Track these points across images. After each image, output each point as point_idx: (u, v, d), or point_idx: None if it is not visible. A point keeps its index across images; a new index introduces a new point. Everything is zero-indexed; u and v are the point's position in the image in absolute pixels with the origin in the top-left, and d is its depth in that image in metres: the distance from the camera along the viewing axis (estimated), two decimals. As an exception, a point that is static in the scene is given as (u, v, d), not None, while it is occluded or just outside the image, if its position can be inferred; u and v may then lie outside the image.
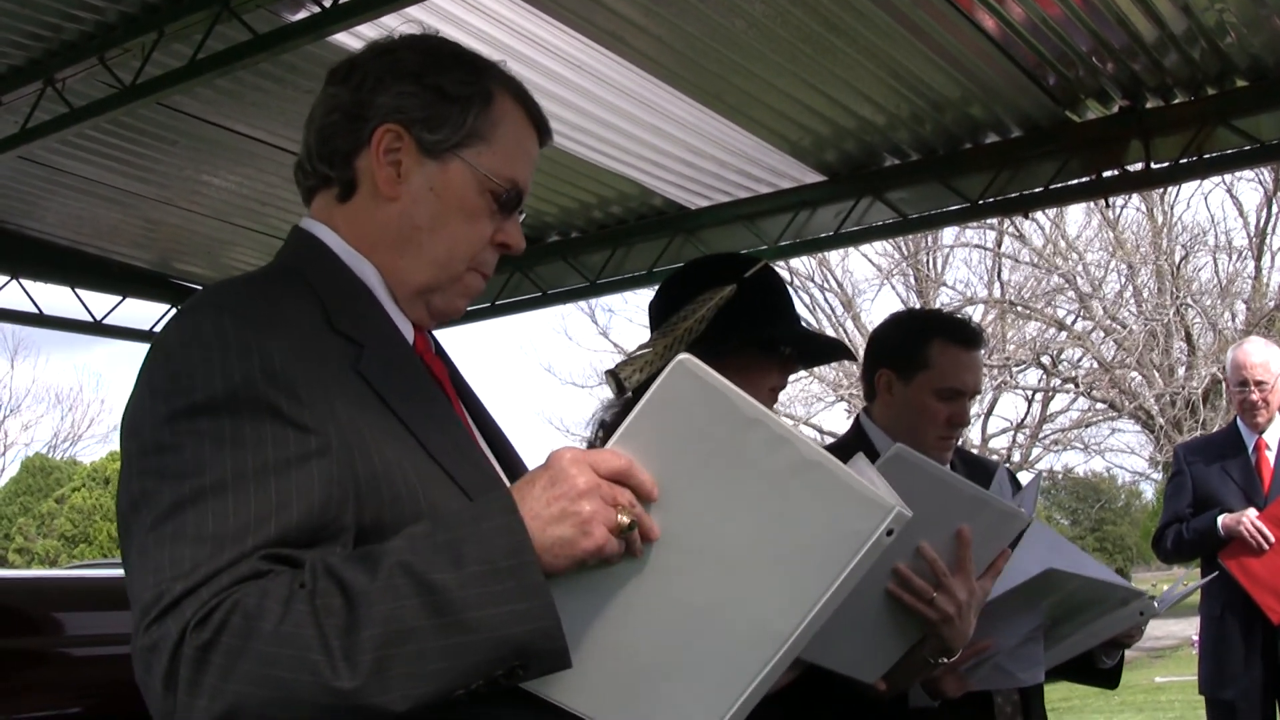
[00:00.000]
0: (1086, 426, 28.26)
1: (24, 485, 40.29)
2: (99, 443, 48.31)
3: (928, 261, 27.38)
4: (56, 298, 8.69)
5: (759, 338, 2.74)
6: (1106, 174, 6.63)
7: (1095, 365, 26.19)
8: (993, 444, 28.39)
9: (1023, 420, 28.80)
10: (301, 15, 5.27)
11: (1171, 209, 25.61)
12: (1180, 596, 3.59)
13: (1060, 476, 38.27)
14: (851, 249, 24.82)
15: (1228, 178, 24.41)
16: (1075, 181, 6.75)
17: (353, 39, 5.41)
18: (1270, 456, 6.17)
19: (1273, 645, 5.87)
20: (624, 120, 6.50)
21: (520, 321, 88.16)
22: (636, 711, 1.62)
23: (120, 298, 8.83)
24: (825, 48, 5.70)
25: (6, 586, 4.71)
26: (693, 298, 2.75)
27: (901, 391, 3.37)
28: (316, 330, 1.70)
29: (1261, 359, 6.18)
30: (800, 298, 27.22)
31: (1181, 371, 25.15)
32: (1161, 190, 23.46)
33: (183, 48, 5.50)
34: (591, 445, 2.84)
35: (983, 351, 3.50)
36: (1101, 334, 25.94)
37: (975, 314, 26.21)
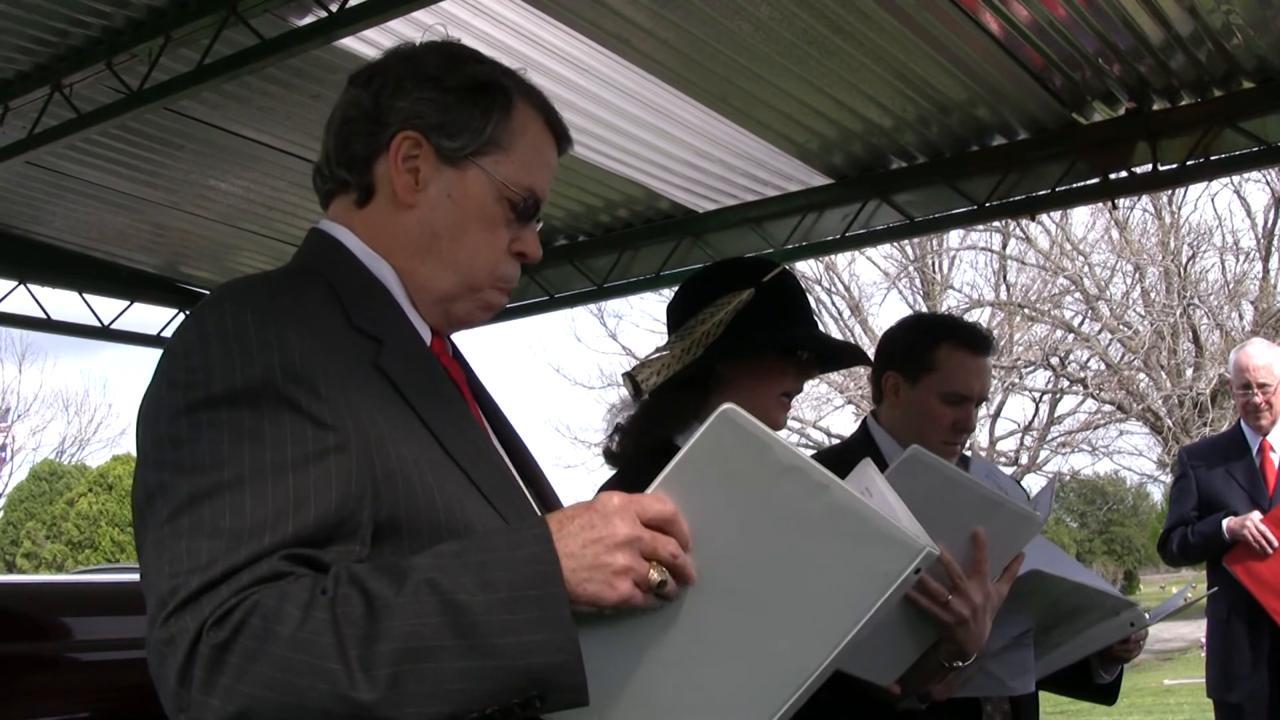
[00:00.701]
0: (1094, 428, 28.21)
1: (32, 490, 40.35)
2: (106, 447, 48.39)
3: (934, 265, 27.36)
4: (64, 302, 8.73)
5: (776, 342, 2.74)
6: (1113, 176, 6.62)
7: (1103, 367, 26.15)
8: (1000, 446, 28.36)
9: (1030, 422, 28.78)
10: (308, 20, 5.27)
11: (1179, 210, 25.58)
12: (1172, 609, 3.58)
13: (1068, 478, 38.21)
14: (858, 252, 24.82)
15: (1236, 179, 24.38)
16: (1082, 183, 6.75)
17: (359, 43, 5.42)
18: (1275, 459, 6.16)
19: (1279, 648, 5.87)
20: (630, 124, 6.51)
21: (529, 322, 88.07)
22: None
23: (128, 302, 8.85)
24: (831, 50, 5.70)
25: (13, 592, 4.71)
26: (711, 301, 2.76)
27: (908, 394, 3.37)
28: (336, 327, 1.70)
29: (1265, 361, 6.17)
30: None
31: (1189, 373, 25.11)
32: (1169, 192, 23.43)
33: (190, 53, 5.51)
34: (608, 450, 2.85)
35: (991, 357, 3.50)
36: (1109, 335, 25.90)
37: (983, 316, 26.20)
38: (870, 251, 25.07)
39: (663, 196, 7.53)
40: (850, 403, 26.30)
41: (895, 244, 24.76)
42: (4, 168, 6.51)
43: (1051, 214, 23.16)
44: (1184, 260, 25.36)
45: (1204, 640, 6.74)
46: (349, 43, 5.39)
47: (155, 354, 9.22)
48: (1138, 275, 25.48)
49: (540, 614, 1.46)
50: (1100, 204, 18.89)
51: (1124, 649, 3.27)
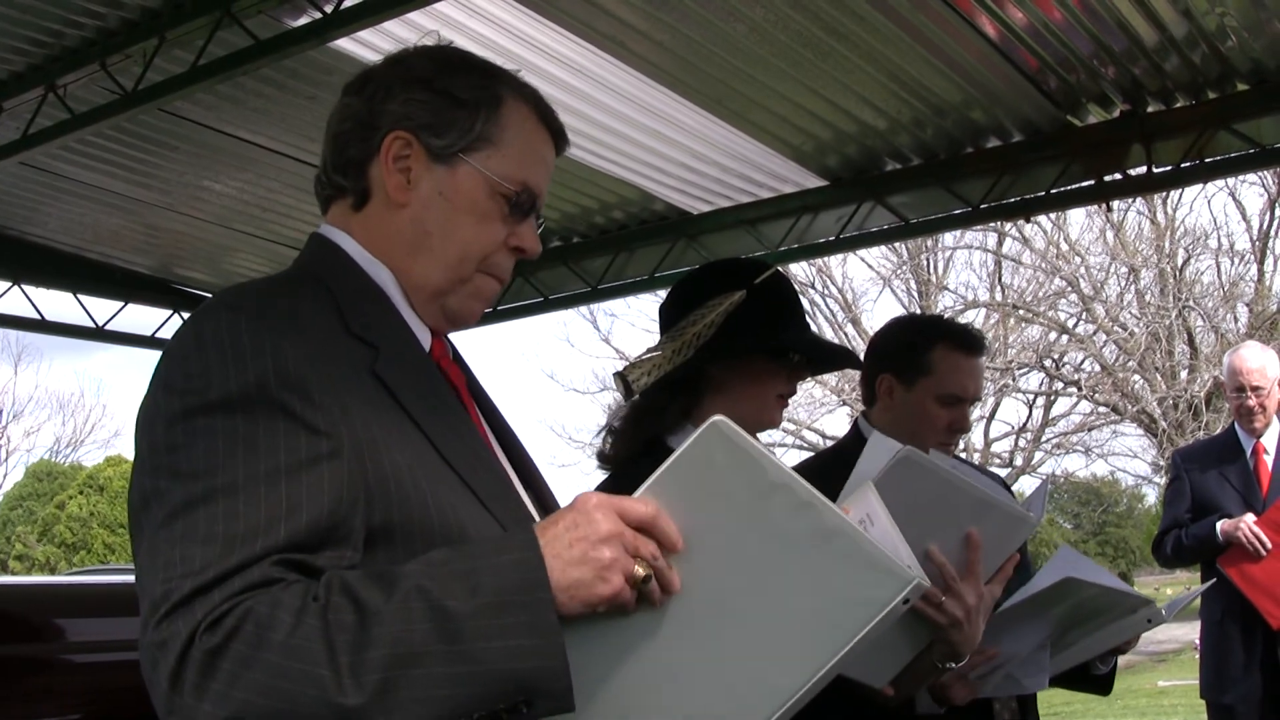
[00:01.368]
0: (1089, 430, 28.26)
1: (28, 490, 40.30)
2: (100, 448, 48.33)
3: (929, 265, 27.39)
4: (59, 303, 8.71)
5: (768, 344, 2.74)
6: (1108, 178, 6.63)
7: (1098, 369, 26.18)
8: (995, 448, 28.39)
9: (1025, 424, 28.82)
10: (303, 21, 5.27)
11: (1174, 212, 25.63)
12: (1186, 602, 3.58)
13: (1062, 480, 38.24)
14: (852, 254, 24.85)
15: (1230, 181, 24.43)
16: (1077, 185, 6.76)
17: (354, 45, 5.41)
18: (1268, 461, 6.16)
19: (1272, 650, 5.87)
20: (625, 125, 6.51)
21: (522, 328, 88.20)
22: None
23: (122, 303, 8.85)
24: (826, 52, 5.70)
25: (6, 594, 4.70)
26: (703, 302, 2.76)
27: (903, 396, 3.36)
28: (332, 333, 1.71)
29: (1258, 364, 6.17)
30: (801, 303, 27.19)
31: (1184, 375, 25.14)
32: (1164, 194, 23.46)
33: (184, 53, 5.50)
34: (601, 452, 2.85)
35: (985, 358, 3.49)
36: (1104, 337, 25.93)
37: (977, 317, 26.24)
38: (864, 251, 25.09)
39: (657, 198, 7.53)
40: (845, 404, 26.32)
41: (889, 245, 24.79)
42: (-2, 168, 6.51)
43: (1047, 215, 23.19)
44: (1179, 263, 25.40)
45: (1198, 642, 6.74)
46: (344, 44, 5.38)
47: (150, 355, 9.23)
48: (1133, 277, 25.52)
49: (527, 619, 1.47)
50: (1095, 206, 18.96)
51: (1124, 641, 3.27)
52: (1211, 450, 6.53)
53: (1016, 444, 28.73)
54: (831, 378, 25.54)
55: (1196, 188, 24.33)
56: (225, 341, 1.61)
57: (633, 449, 2.77)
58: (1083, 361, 26.93)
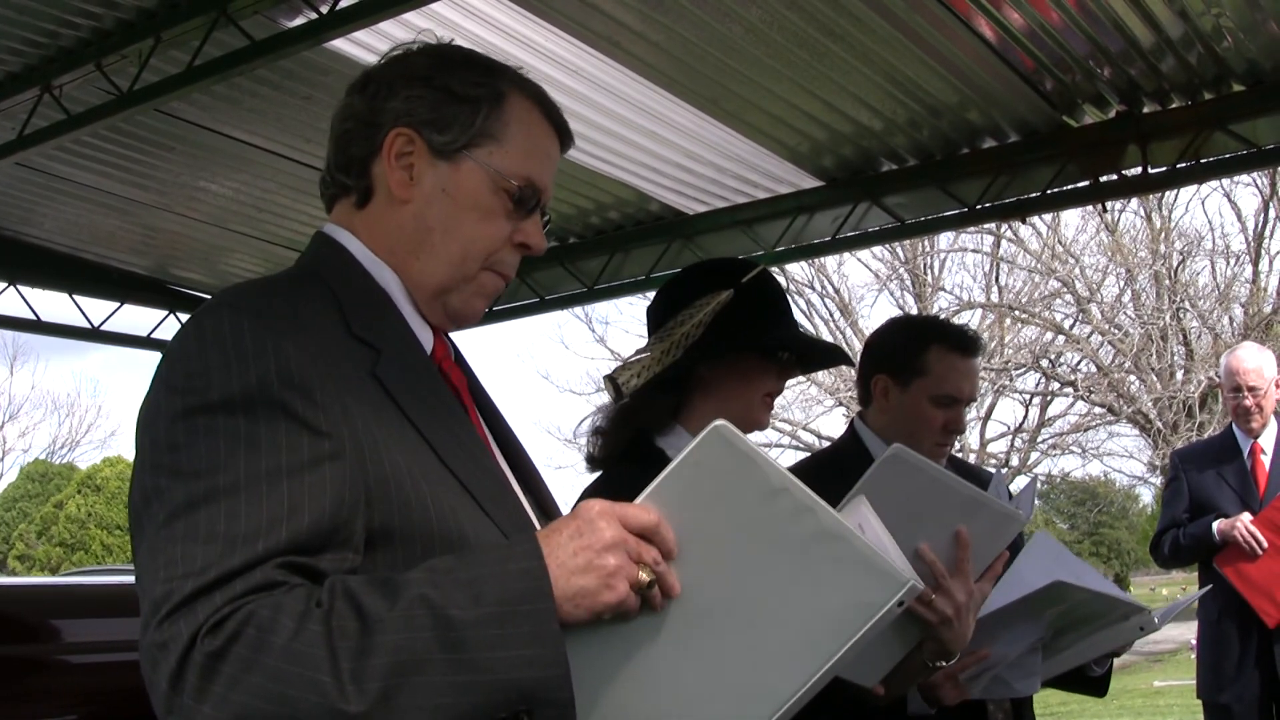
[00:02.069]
0: (1085, 431, 28.28)
1: (21, 491, 40.26)
2: (96, 449, 48.30)
3: (925, 266, 27.41)
4: (54, 304, 8.73)
5: (757, 343, 2.74)
6: (1104, 179, 6.63)
7: (1093, 369, 26.21)
8: (991, 448, 28.41)
9: (1021, 424, 28.85)
10: (299, 21, 5.27)
11: (1169, 213, 25.65)
12: (1178, 609, 3.58)
13: (1058, 481, 38.28)
14: (849, 254, 24.86)
15: (1226, 182, 24.47)
16: (1073, 186, 6.76)
17: (350, 45, 5.41)
18: (1265, 461, 6.17)
19: (1269, 649, 5.87)
20: (621, 126, 6.51)
21: (517, 330, 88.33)
22: None
23: (118, 304, 8.85)
24: (822, 53, 5.70)
25: (3, 594, 4.70)
26: (690, 302, 2.75)
27: (898, 397, 3.36)
28: (334, 334, 1.70)
29: (1255, 365, 6.17)
30: (797, 304, 27.25)
31: (1179, 375, 25.17)
32: (1159, 195, 23.49)
33: (180, 54, 5.50)
34: (590, 455, 2.84)
35: (980, 359, 3.49)
36: (1099, 338, 25.96)
37: (973, 318, 26.25)
38: (861, 252, 25.12)
39: (653, 198, 7.53)
40: (840, 404, 26.32)
41: (886, 246, 24.81)
42: (-6, 169, 6.51)
43: (1043, 216, 23.22)
44: (1174, 264, 25.43)
45: (1194, 642, 6.75)
46: (339, 44, 5.38)
47: (146, 355, 9.23)
48: (1128, 278, 25.54)
49: (530, 629, 1.47)
50: (1091, 207, 18.98)
51: (1117, 647, 3.27)
52: (1209, 451, 6.54)
53: (1013, 444, 28.76)
54: (827, 378, 25.56)
55: (1191, 189, 24.41)
56: (227, 341, 1.60)
57: (620, 450, 2.76)
58: (1078, 362, 26.97)
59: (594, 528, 1.53)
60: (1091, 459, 30.50)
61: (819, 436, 26.86)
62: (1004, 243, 26.14)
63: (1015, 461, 27.96)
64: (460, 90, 1.85)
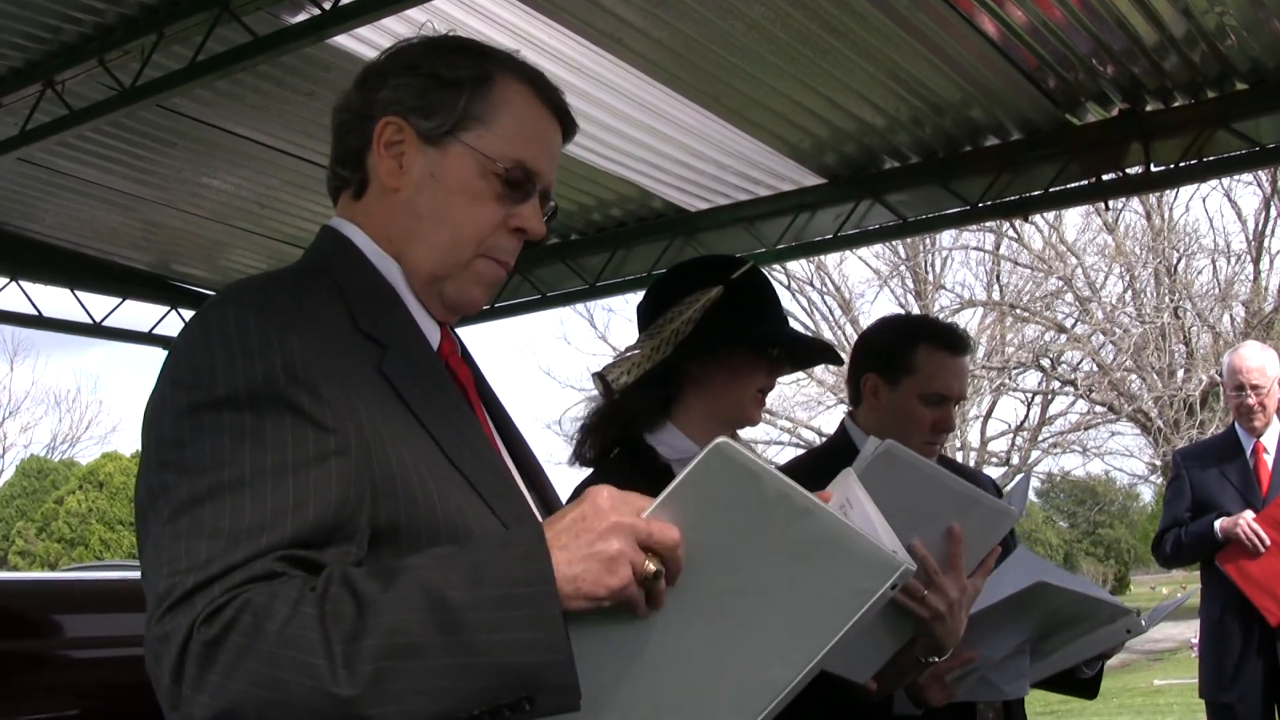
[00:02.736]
0: (1085, 429, 28.29)
1: (21, 488, 40.26)
2: (97, 444, 48.33)
3: (926, 264, 27.42)
4: (56, 299, 8.72)
5: (746, 339, 2.74)
6: (1106, 177, 6.64)
7: (1094, 368, 26.22)
8: (992, 446, 28.43)
9: (1022, 423, 28.86)
10: (301, 17, 5.27)
11: (1170, 212, 25.66)
12: (1167, 611, 3.59)
13: (1058, 479, 38.27)
14: (850, 252, 24.87)
15: (1226, 182, 24.47)
16: (1075, 184, 6.76)
17: (352, 41, 5.41)
18: (1268, 460, 6.17)
19: (1272, 647, 5.87)
20: (623, 123, 6.51)
21: (519, 326, 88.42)
22: None
23: (119, 299, 8.84)
24: (824, 50, 5.70)
25: (4, 589, 4.70)
26: (680, 299, 2.75)
27: (887, 396, 3.36)
28: (340, 329, 1.70)
29: (1258, 363, 6.18)
30: (798, 301, 27.28)
31: (1180, 374, 25.18)
32: (1159, 194, 23.51)
33: (182, 50, 5.50)
34: (580, 454, 2.83)
35: (969, 357, 3.49)
36: (1100, 337, 25.97)
37: (974, 316, 26.27)
38: (862, 250, 25.13)
39: (655, 195, 7.53)
40: (841, 403, 26.32)
41: (887, 244, 24.81)
42: (-4, 164, 6.51)
43: (1044, 215, 23.23)
44: (1174, 263, 25.45)
45: (1194, 641, 6.76)
46: (342, 40, 5.38)
47: (147, 351, 9.23)
48: (1129, 277, 25.56)
49: (531, 612, 1.45)
50: (1093, 205, 18.98)
51: (1104, 650, 3.28)
52: (1212, 449, 6.55)
53: (1013, 443, 28.77)
54: (828, 376, 25.58)
55: (1191, 188, 24.43)
56: (233, 337, 1.60)
57: (610, 446, 2.76)
58: (1079, 361, 26.99)
59: (598, 511, 1.51)
60: (1092, 458, 30.52)
61: (819, 434, 26.87)
62: (1005, 241, 26.16)
63: (1016, 460, 27.98)
64: (446, 75, 1.85)
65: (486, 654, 1.43)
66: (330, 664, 1.40)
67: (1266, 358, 6.22)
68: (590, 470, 2.77)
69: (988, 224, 23.35)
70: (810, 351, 3.05)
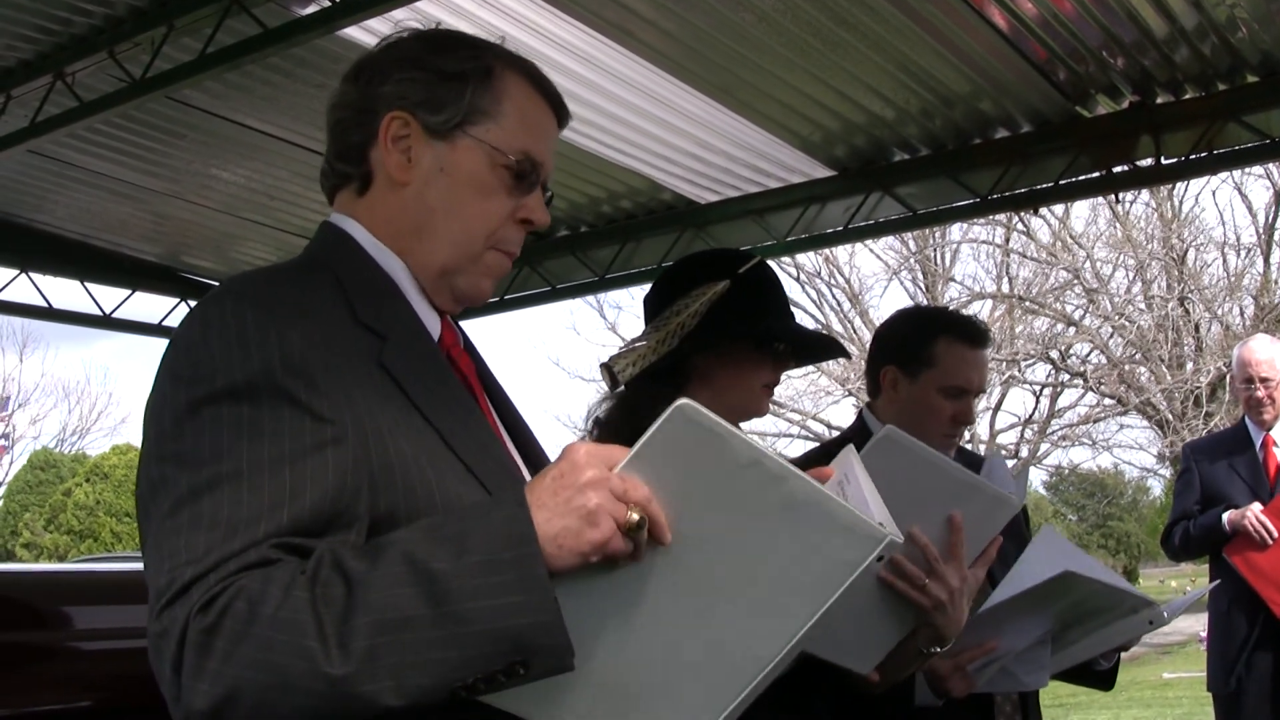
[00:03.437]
0: (1095, 422, 28.24)
1: (29, 480, 40.30)
2: (106, 436, 48.37)
3: (936, 257, 27.38)
4: (65, 291, 8.74)
5: (752, 333, 2.74)
6: (1116, 169, 6.63)
7: (1104, 360, 26.18)
8: (1001, 439, 28.39)
9: (1031, 415, 28.82)
10: (311, 9, 5.28)
11: (1180, 204, 25.61)
12: (1187, 603, 3.58)
13: (1067, 472, 38.21)
14: (859, 245, 24.86)
15: (1237, 175, 24.41)
16: (1085, 177, 6.74)
17: (362, 33, 5.41)
18: (1277, 453, 6.17)
19: (1279, 639, 5.87)
20: (633, 114, 6.51)
21: (529, 317, 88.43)
22: None
23: (129, 291, 8.86)
24: (835, 42, 5.70)
25: (13, 580, 4.71)
26: (687, 292, 2.75)
27: (907, 389, 3.36)
28: (340, 322, 1.71)
29: (1267, 356, 6.18)
30: (808, 294, 27.26)
31: (1189, 367, 25.14)
32: (1170, 186, 23.46)
33: (192, 41, 5.50)
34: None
35: (989, 349, 3.49)
36: (1110, 329, 25.93)
37: (984, 309, 26.23)
38: (871, 243, 25.09)
39: (665, 187, 7.53)
40: (850, 395, 26.31)
41: (897, 236, 24.77)
42: (6, 156, 6.51)
43: (1054, 207, 23.17)
44: (1185, 254, 25.40)
45: (1203, 634, 6.75)
46: (352, 32, 5.38)
47: (156, 343, 9.23)
48: (1139, 269, 25.51)
49: (515, 575, 1.44)
50: (1102, 198, 18.95)
51: (1125, 641, 3.27)
52: (1221, 442, 6.56)
53: (1022, 435, 28.74)
54: (836, 368, 25.55)
55: (1201, 180, 24.37)
56: (231, 330, 1.61)
57: (619, 440, 2.76)
58: (1089, 353, 26.95)
59: (575, 467, 1.50)
60: (1101, 450, 30.46)
61: (829, 426, 26.85)
62: (1014, 234, 26.11)
63: (1025, 452, 27.95)
64: (450, 69, 1.86)
65: (475, 621, 1.43)
66: (323, 645, 1.41)
67: (1276, 350, 6.22)
68: None
69: (996, 217, 23.34)
70: (816, 347, 3.05)
